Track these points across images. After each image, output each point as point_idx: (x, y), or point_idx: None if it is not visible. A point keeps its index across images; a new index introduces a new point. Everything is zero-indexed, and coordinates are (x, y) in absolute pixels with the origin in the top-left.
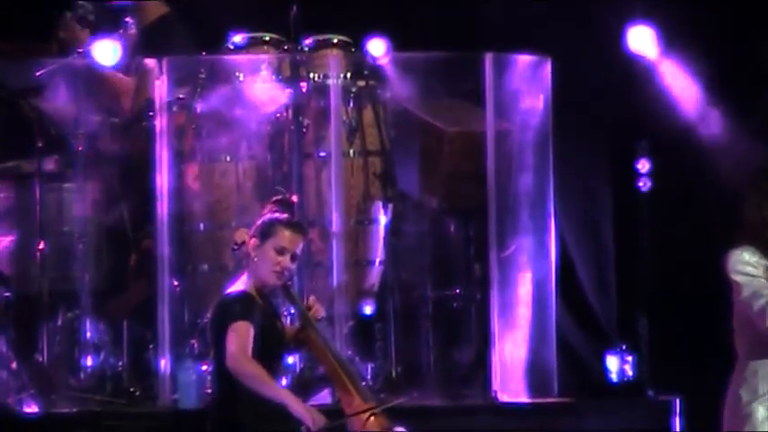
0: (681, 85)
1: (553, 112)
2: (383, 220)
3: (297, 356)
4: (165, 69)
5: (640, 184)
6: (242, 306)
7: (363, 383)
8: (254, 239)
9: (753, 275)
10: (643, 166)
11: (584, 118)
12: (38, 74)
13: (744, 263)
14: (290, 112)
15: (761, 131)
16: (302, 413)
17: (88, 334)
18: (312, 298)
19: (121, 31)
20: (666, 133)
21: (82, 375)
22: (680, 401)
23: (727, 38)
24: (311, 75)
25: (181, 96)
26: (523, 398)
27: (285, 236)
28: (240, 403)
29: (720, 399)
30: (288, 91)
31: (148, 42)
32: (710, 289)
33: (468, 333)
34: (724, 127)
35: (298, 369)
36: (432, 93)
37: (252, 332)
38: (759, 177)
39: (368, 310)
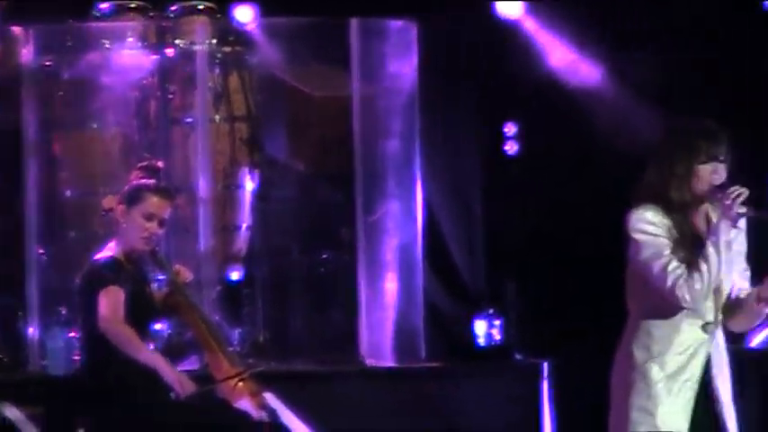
0: (549, 45)
1: (420, 76)
2: (250, 185)
3: (165, 322)
4: (31, 37)
5: (507, 147)
6: (111, 271)
7: (231, 349)
8: (121, 206)
9: (655, 234)
10: (510, 129)
11: (452, 82)
12: None
13: (646, 221)
14: (157, 78)
15: (640, 86)
16: (173, 378)
17: None
18: (180, 264)
19: None
20: (535, 97)
21: None
22: (548, 365)
23: None
24: (177, 41)
25: (47, 64)
26: (391, 362)
27: (152, 202)
28: (111, 369)
29: (587, 362)
30: (154, 57)
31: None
32: (577, 252)
33: (337, 298)
34: (600, 85)
35: (166, 335)
36: (299, 58)
37: (122, 297)
38: (663, 138)
39: (235, 275)
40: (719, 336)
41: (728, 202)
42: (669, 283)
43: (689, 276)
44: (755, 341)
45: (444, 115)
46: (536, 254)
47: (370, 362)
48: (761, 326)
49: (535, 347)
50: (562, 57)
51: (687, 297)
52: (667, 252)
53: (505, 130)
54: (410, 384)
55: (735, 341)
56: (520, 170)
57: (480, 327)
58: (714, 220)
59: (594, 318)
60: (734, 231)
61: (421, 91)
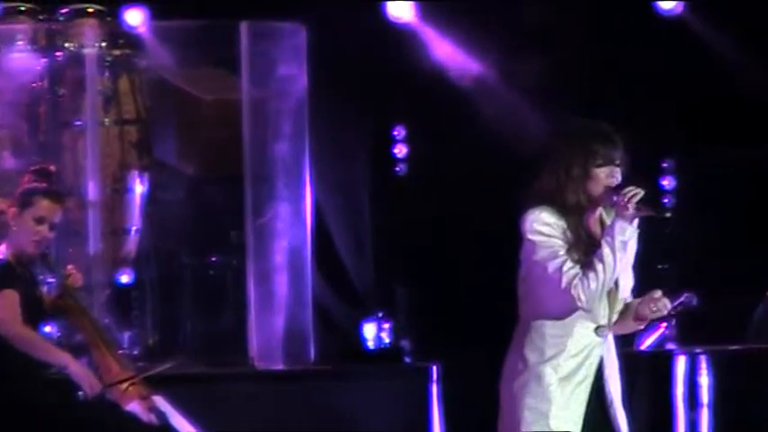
0: (440, 46)
1: (310, 79)
2: (139, 188)
3: (54, 325)
4: None
5: (396, 150)
6: (2, 275)
7: (120, 352)
8: (13, 209)
9: (550, 235)
10: (399, 132)
11: (342, 85)
12: None
13: (542, 222)
14: (47, 81)
15: (532, 86)
16: (82, 377)
17: None
18: (70, 266)
19: None
20: (426, 98)
21: None
22: (437, 368)
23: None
24: (67, 44)
25: None
26: (281, 365)
27: (43, 205)
28: (13, 372)
29: (476, 365)
30: (44, 60)
31: None
32: (466, 255)
33: (226, 301)
34: (491, 86)
35: (55, 337)
36: (189, 61)
37: (17, 299)
38: (557, 141)
39: (125, 278)
40: (611, 338)
41: (624, 203)
42: (564, 282)
43: (584, 276)
44: (646, 344)
45: (334, 118)
46: (426, 257)
47: (259, 364)
48: (651, 329)
49: (424, 350)
50: (452, 58)
51: (582, 297)
52: (563, 253)
53: (395, 132)
54: (299, 387)
55: (625, 344)
56: (409, 173)
57: (370, 330)
58: (608, 222)
59: (484, 321)
60: (630, 230)
61: (311, 94)
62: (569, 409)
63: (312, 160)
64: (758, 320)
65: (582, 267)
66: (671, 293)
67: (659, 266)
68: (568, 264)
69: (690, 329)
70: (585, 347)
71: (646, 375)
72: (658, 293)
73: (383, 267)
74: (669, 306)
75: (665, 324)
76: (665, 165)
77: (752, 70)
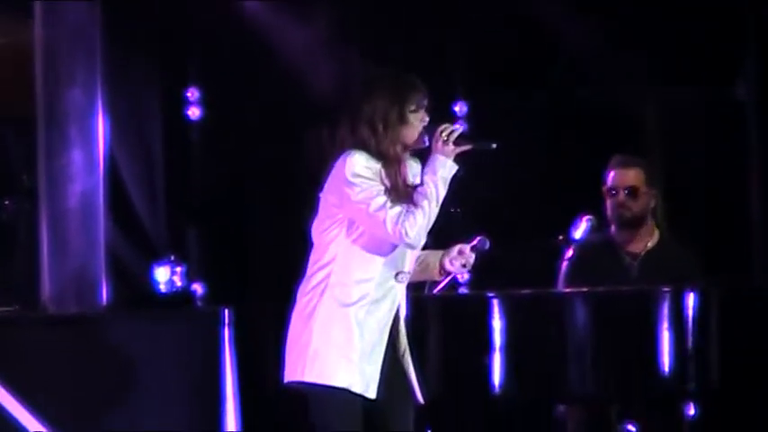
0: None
1: (104, 24)
2: None
3: None
4: None
5: (189, 94)
6: None
7: None
8: None
9: (370, 178)
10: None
11: (136, 28)
12: None
13: (362, 166)
14: None
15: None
16: None
17: None
18: None
19: None
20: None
21: None
22: (229, 312)
23: None
24: None
25: None
26: (73, 309)
27: None
28: None
29: (269, 308)
30: None
31: None
32: (259, 198)
33: (18, 245)
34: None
35: None
36: None
37: None
38: (364, 93)
39: None
40: (405, 285)
41: (443, 138)
42: (390, 219)
43: (408, 212)
44: (437, 288)
45: (129, 65)
46: (219, 202)
47: (51, 308)
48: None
49: (216, 295)
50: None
51: (410, 233)
52: (384, 194)
53: (189, 81)
54: (90, 330)
55: (415, 289)
56: (204, 117)
57: (161, 274)
58: (412, 170)
59: (276, 266)
60: (450, 165)
61: (104, 39)
62: (372, 354)
63: (105, 107)
64: (569, 263)
65: (404, 207)
66: (464, 237)
67: (452, 210)
68: (390, 203)
69: (482, 273)
70: (388, 293)
71: (435, 318)
72: (465, 248)
73: (176, 212)
74: (472, 261)
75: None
76: (456, 108)
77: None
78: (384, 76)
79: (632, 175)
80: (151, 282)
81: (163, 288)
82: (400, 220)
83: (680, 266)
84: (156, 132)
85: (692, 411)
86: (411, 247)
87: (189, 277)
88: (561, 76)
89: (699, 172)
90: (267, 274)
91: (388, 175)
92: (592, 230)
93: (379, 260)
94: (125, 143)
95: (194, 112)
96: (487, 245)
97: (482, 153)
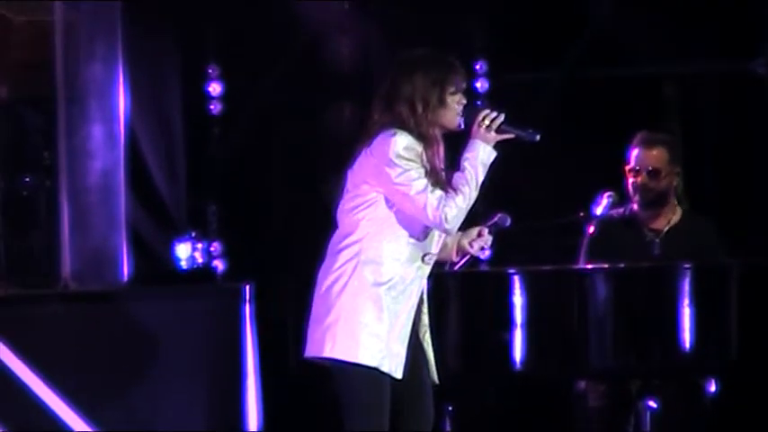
0: None
1: (123, 0)
2: None
3: None
4: None
5: (209, 70)
6: None
7: None
8: None
9: (411, 159)
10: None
11: (155, 6)
12: None
13: (404, 147)
14: None
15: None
16: None
17: None
18: None
19: None
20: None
21: None
22: (250, 288)
23: None
24: None
25: None
26: (94, 286)
27: None
28: None
29: (291, 285)
30: None
31: None
32: (282, 175)
33: (38, 222)
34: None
35: None
36: None
37: None
38: (404, 73)
39: None
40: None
41: (486, 124)
42: (431, 205)
43: (449, 197)
44: (458, 265)
45: (148, 41)
46: (240, 179)
47: (72, 285)
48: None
49: (238, 270)
50: None
51: (449, 218)
52: (425, 177)
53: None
54: (111, 307)
55: (435, 266)
56: (224, 98)
57: (182, 250)
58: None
59: (298, 242)
60: (491, 153)
61: (123, 14)
62: (400, 331)
63: (125, 82)
64: (590, 239)
65: (443, 190)
66: (484, 214)
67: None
68: (431, 186)
69: (503, 250)
70: (416, 274)
71: (457, 296)
72: (484, 230)
73: (196, 187)
74: (490, 242)
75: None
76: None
77: None
78: (426, 56)
79: (655, 155)
80: (172, 258)
81: (184, 264)
82: (441, 205)
83: (703, 242)
84: (176, 108)
85: (712, 387)
86: (447, 232)
87: (209, 253)
88: (580, 53)
89: (718, 147)
90: (288, 250)
91: (427, 156)
92: (612, 207)
93: (411, 240)
94: (145, 119)
95: (215, 88)
96: (508, 222)
97: (523, 141)
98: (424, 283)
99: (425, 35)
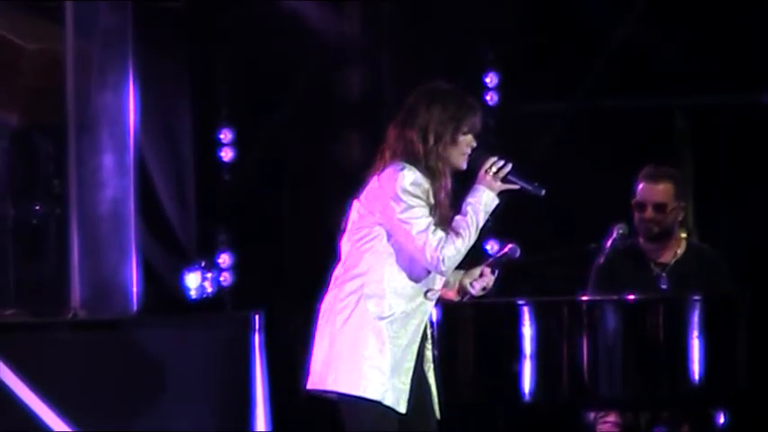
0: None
1: (134, 28)
2: None
3: None
4: None
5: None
6: None
7: None
8: None
9: (417, 196)
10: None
11: (167, 34)
12: None
13: (411, 182)
14: None
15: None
16: None
17: None
18: None
19: None
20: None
21: None
22: (259, 317)
23: None
24: None
25: None
26: (103, 315)
27: None
28: None
29: (298, 315)
30: None
31: None
32: (291, 205)
33: (49, 250)
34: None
35: None
36: (12, 9)
37: None
38: (421, 104)
39: None
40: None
41: (492, 171)
42: (430, 246)
43: (449, 239)
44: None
45: (159, 69)
46: (250, 207)
47: (81, 314)
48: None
49: (248, 300)
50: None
51: (446, 260)
52: (428, 215)
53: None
54: (121, 336)
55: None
56: (234, 127)
57: (192, 279)
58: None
59: (307, 272)
60: (495, 201)
61: (134, 43)
62: (402, 366)
63: (136, 111)
64: (598, 271)
65: (444, 231)
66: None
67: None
68: (433, 226)
69: (513, 281)
70: (418, 309)
71: (467, 327)
72: (487, 270)
73: (206, 216)
74: (491, 285)
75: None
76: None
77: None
78: (448, 91)
79: (661, 190)
80: (182, 287)
81: (193, 294)
82: (440, 247)
83: (711, 273)
84: (186, 137)
85: (721, 419)
86: (442, 274)
87: (219, 282)
88: (592, 84)
89: (730, 178)
90: (298, 279)
91: (433, 191)
92: (622, 239)
93: (414, 276)
94: (156, 148)
95: (225, 126)
96: (518, 253)
97: (528, 194)
98: (426, 319)
99: (438, 62)
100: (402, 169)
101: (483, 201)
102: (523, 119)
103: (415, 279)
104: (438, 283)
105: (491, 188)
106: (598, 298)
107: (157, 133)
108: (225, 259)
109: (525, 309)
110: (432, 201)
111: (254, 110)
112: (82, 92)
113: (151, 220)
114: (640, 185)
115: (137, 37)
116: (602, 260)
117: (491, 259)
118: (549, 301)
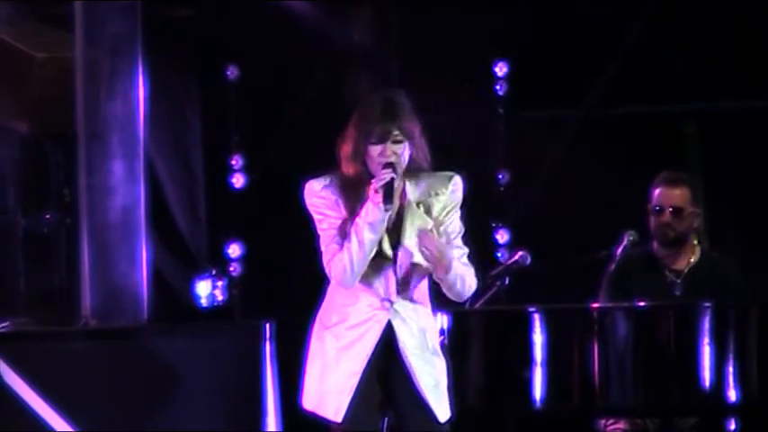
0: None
1: (144, 36)
2: None
3: None
4: None
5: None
6: None
7: None
8: None
9: (320, 207)
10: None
11: (177, 42)
12: None
13: (313, 194)
14: None
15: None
16: None
17: None
18: None
19: None
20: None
21: None
22: (270, 326)
23: None
24: None
25: None
26: (114, 323)
27: None
28: None
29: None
30: None
31: None
32: (300, 212)
33: (59, 258)
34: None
35: None
36: (21, 18)
37: None
38: (354, 113)
39: None
40: (408, 309)
41: (375, 186)
42: (327, 258)
43: (340, 253)
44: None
45: (168, 78)
46: (261, 216)
47: (92, 323)
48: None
49: (258, 308)
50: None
51: (336, 276)
52: (333, 227)
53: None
54: (131, 345)
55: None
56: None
57: (202, 288)
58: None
59: (318, 279)
60: (375, 213)
61: (144, 51)
62: (342, 378)
63: (146, 120)
64: (610, 278)
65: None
66: (506, 251)
67: (492, 224)
68: (333, 241)
69: (523, 288)
70: (371, 319)
71: (478, 334)
72: (423, 235)
73: (217, 225)
74: (436, 244)
75: (497, 283)
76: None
77: None
78: (368, 100)
79: (678, 195)
80: (192, 296)
81: (204, 302)
82: (332, 262)
83: (725, 281)
84: (196, 145)
85: (732, 426)
86: (341, 285)
87: (230, 291)
88: (601, 91)
89: (739, 185)
90: (310, 288)
91: (347, 200)
92: (632, 246)
93: (357, 285)
94: (166, 156)
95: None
96: (528, 260)
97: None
98: (383, 329)
99: (447, 70)
100: (308, 181)
101: (362, 213)
102: (533, 126)
103: (360, 289)
104: (393, 293)
105: (372, 201)
106: (609, 305)
107: (167, 142)
108: (235, 268)
109: (536, 316)
110: (344, 211)
111: (264, 119)
112: (91, 100)
113: (161, 228)
114: (657, 190)
115: (146, 45)
116: (613, 267)
117: (501, 267)
118: (559, 309)
